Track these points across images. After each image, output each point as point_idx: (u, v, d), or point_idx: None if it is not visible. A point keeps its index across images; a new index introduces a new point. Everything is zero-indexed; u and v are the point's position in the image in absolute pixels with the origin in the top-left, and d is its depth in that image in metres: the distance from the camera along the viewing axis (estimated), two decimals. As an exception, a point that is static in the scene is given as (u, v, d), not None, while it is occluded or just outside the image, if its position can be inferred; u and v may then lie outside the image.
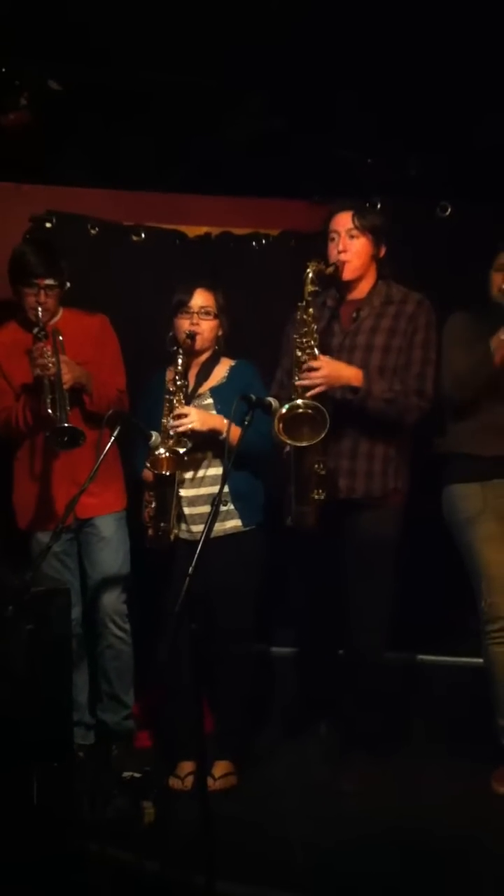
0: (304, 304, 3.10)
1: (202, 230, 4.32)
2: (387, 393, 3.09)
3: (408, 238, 3.94)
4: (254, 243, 4.33)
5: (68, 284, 3.49)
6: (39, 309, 3.33)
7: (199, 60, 3.83)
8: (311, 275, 3.09)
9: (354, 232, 3.16)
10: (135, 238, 4.20)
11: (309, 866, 2.70)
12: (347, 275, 3.17)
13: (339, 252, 3.15)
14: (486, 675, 3.19)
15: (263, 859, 2.77)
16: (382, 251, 3.23)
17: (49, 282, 3.37)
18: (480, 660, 3.23)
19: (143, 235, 4.20)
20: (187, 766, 3.28)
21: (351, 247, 3.16)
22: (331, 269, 3.13)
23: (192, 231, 4.32)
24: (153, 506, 3.24)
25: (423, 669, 3.78)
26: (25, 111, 3.78)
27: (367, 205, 4.54)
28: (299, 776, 3.28)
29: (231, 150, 4.20)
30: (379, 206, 4.54)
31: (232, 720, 3.30)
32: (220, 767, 3.26)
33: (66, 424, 3.17)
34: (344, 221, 3.17)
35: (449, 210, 4.50)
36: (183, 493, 3.28)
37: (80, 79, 3.93)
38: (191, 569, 2.77)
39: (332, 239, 3.19)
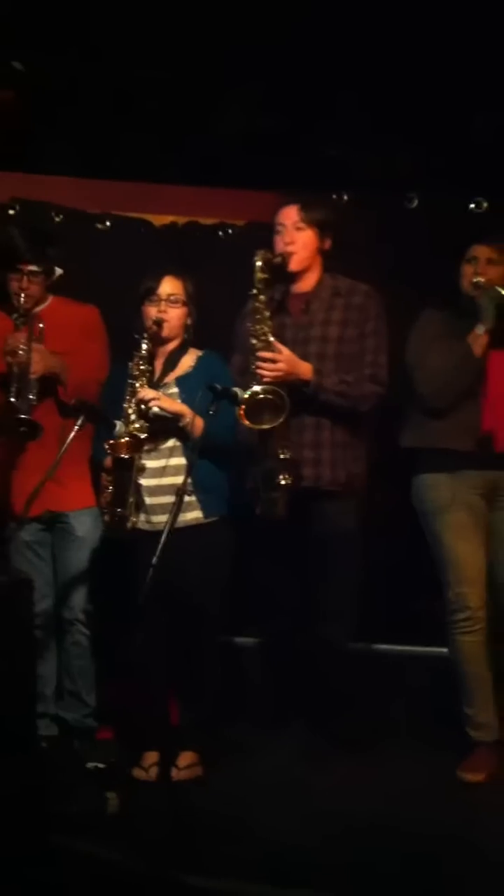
0: (255, 292, 3.14)
1: (168, 219, 4.30)
2: (338, 385, 3.15)
3: (377, 230, 3.96)
4: (220, 233, 4.32)
5: (59, 271, 3.45)
6: (22, 295, 3.30)
7: (170, 52, 3.81)
8: (259, 263, 3.14)
9: (300, 224, 3.22)
10: (100, 226, 4.18)
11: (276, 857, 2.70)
12: (294, 266, 3.22)
13: (286, 244, 3.21)
14: (451, 665, 3.21)
15: (228, 850, 2.75)
16: (328, 244, 3.29)
17: (33, 268, 3.34)
18: (446, 649, 3.25)
19: (108, 224, 4.17)
20: (152, 757, 3.27)
21: (297, 239, 3.22)
22: (278, 259, 3.19)
23: (159, 220, 4.30)
24: (110, 490, 3.21)
25: (390, 659, 3.79)
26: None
27: (334, 196, 4.59)
28: (267, 766, 3.28)
29: (199, 141, 4.19)
30: (346, 198, 4.57)
31: (198, 711, 3.29)
32: (185, 758, 3.25)
33: (22, 416, 3.13)
34: (290, 214, 3.24)
35: (416, 202, 4.51)
36: (144, 482, 3.25)
37: (47, 66, 3.90)
38: (154, 559, 2.78)
39: (279, 231, 3.25)
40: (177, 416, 3.19)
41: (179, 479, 3.02)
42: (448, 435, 3.16)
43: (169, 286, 3.31)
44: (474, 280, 3.16)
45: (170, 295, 3.30)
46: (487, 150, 4.23)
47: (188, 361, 3.36)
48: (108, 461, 3.21)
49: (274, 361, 3.09)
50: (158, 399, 3.18)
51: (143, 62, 3.88)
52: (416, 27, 3.68)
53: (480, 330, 3.12)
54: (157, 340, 3.31)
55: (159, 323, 3.27)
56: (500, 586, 3.14)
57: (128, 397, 3.22)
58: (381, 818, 2.89)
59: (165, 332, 3.30)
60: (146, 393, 3.18)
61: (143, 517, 3.26)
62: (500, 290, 3.10)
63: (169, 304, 3.30)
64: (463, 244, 3.27)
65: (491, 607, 3.17)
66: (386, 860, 2.67)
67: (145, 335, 3.25)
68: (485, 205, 4.52)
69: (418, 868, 2.62)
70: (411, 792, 3.09)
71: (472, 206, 4.55)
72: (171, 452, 3.26)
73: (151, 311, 3.29)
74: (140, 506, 3.25)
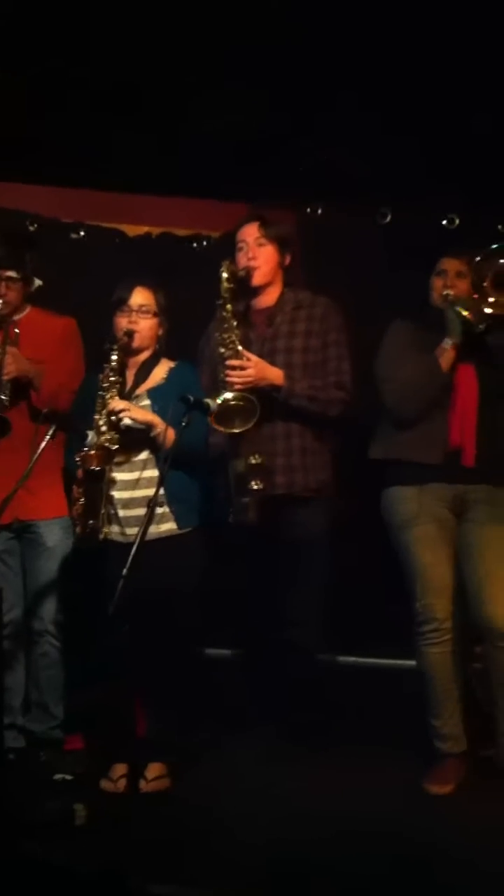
0: (221, 302, 3.22)
1: (143, 229, 4.31)
2: (308, 390, 3.23)
3: (348, 244, 3.98)
4: (195, 244, 4.34)
5: (38, 282, 3.47)
6: (0, 300, 3.30)
7: (145, 61, 3.82)
8: (226, 274, 3.22)
9: (262, 241, 3.31)
10: (74, 235, 4.18)
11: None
12: (257, 280, 3.30)
13: (249, 259, 3.29)
14: (419, 676, 3.23)
15: (198, 861, 2.75)
16: (288, 259, 3.37)
17: (11, 274, 3.35)
18: (414, 661, 3.27)
19: (82, 233, 4.18)
20: (120, 769, 3.26)
21: (260, 254, 3.31)
22: (242, 273, 3.26)
23: (133, 230, 4.30)
24: (81, 502, 3.21)
25: (359, 670, 3.81)
26: None
27: (308, 210, 4.62)
28: (235, 775, 3.28)
29: (175, 151, 4.19)
30: (320, 211, 4.61)
31: (166, 722, 3.28)
32: (154, 770, 3.24)
33: None
34: (251, 231, 3.33)
35: (389, 217, 4.55)
36: (118, 495, 3.25)
37: (21, 73, 3.89)
38: (125, 571, 2.78)
39: (241, 248, 3.34)
40: (148, 427, 3.20)
41: (153, 492, 3.02)
42: (416, 448, 3.18)
43: (140, 297, 3.32)
44: (444, 293, 3.18)
45: (141, 305, 3.31)
46: (460, 165, 4.28)
47: (160, 373, 3.36)
48: (79, 472, 3.21)
49: (243, 368, 3.14)
50: (128, 410, 3.18)
51: (118, 71, 3.89)
52: (390, 42, 3.71)
53: (447, 344, 3.15)
54: (128, 351, 3.31)
55: (130, 334, 3.27)
56: (467, 598, 3.15)
57: (98, 408, 3.22)
58: (349, 825, 2.90)
59: (136, 343, 3.31)
60: (116, 404, 3.18)
61: (117, 529, 3.26)
62: (467, 300, 3.11)
63: (140, 314, 3.31)
64: (435, 259, 3.30)
65: (458, 619, 3.18)
66: (353, 866, 2.68)
67: (115, 346, 3.26)
68: (457, 221, 4.58)
69: (386, 874, 2.63)
70: (379, 801, 3.09)
71: (445, 222, 4.60)
72: (144, 465, 3.26)
73: (122, 322, 3.30)
74: (114, 518, 3.25)
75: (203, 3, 3.51)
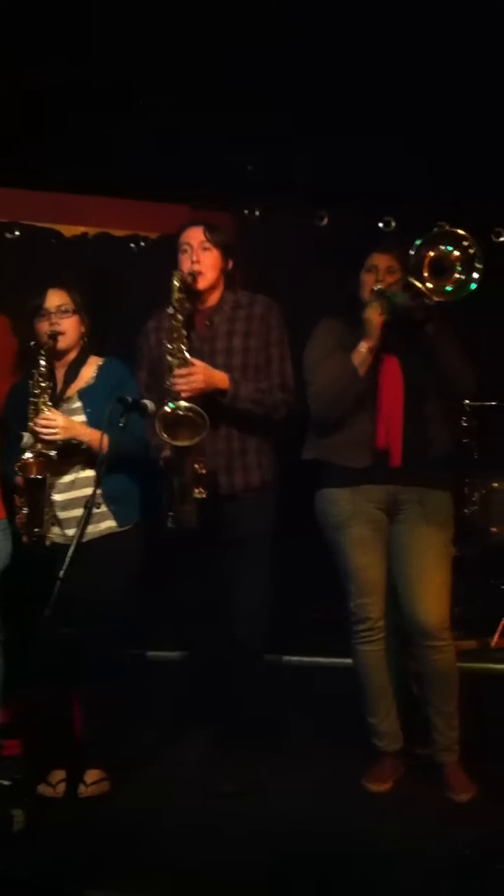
0: (171, 311, 3.16)
1: (79, 230, 4.28)
2: (254, 393, 3.20)
3: (284, 245, 4.00)
4: (132, 245, 4.32)
5: None
6: None
7: (81, 60, 3.79)
8: (177, 283, 3.18)
9: (207, 245, 3.27)
10: (9, 235, 4.13)
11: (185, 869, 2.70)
12: (202, 284, 3.26)
13: (194, 262, 3.25)
14: (354, 675, 3.25)
15: (137, 866, 2.74)
16: (230, 264, 3.35)
17: None
18: (350, 660, 3.29)
19: (17, 233, 4.13)
20: (59, 774, 3.23)
21: (205, 259, 3.27)
22: (190, 279, 3.22)
23: (69, 231, 4.27)
24: (25, 512, 3.18)
25: (296, 669, 3.83)
26: None
27: (246, 212, 4.63)
28: (176, 779, 3.27)
29: (112, 150, 4.17)
30: (258, 213, 4.63)
31: (104, 726, 3.26)
32: (92, 775, 3.22)
33: None
34: (196, 235, 3.28)
35: (326, 220, 4.59)
36: (56, 497, 3.23)
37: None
38: (61, 573, 2.75)
39: (185, 251, 3.29)
40: (77, 441, 3.18)
41: (90, 492, 3.00)
42: (344, 451, 3.20)
43: (56, 298, 3.30)
44: (375, 288, 3.17)
45: (58, 306, 3.29)
46: (397, 169, 4.33)
47: (89, 371, 3.34)
48: (19, 480, 3.17)
49: (190, 375, 3.10)
50: (58, 433, 3.15)
51: (55, 70, 3.85)
52: (330, 43, 3.74)
53: (363, 348, 3.15)
54: (56, 354, 3.29)
55: (54, 336, 3.25)
56: (398, 597, 3.18)
57: (31, 415, 3.19)
58: (291, 829, 2.91)
59: (62, 345, 3.29)
60: (46, 431, 3.14)
61: (58, 531, 3.24)
62: (401, 288, 3.10)
63: (59, 315, 3.29)
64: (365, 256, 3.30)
65: (391, 618, 3.21)
66: (294, 867, 2.69)
67: (42, 351, 3.23)
68: (393, 224, 4.63)
69: (325, 874, 2.65)
70: (318, 799, 3.12)
71: (381, 224, 4.66)
72: (81, 466, 3.25)
73: (44, 326, 3.28)
74: (54, 519, 3.23)
75: (138, 4, 3.51)
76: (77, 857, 2.71)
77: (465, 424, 4.45)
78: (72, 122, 4.05)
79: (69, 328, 3.30)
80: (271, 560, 3.27)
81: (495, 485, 4.42)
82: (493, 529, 4.40)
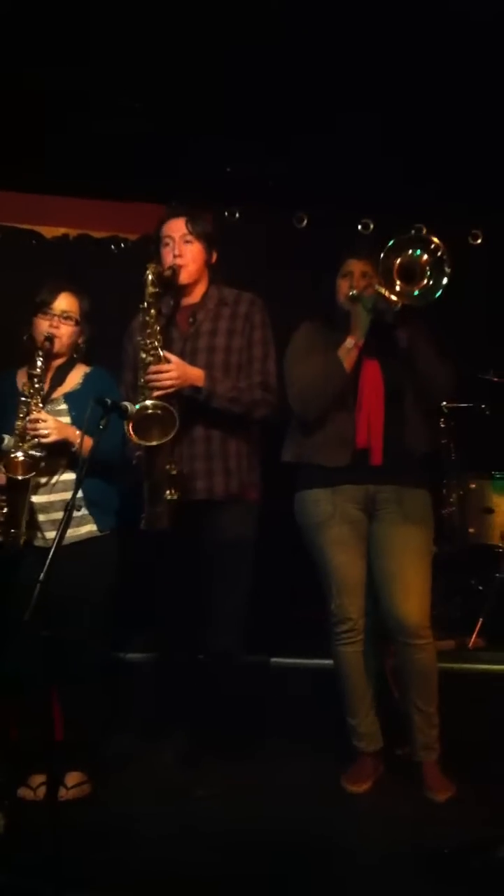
0: (145, 305, 3.10)
1: (60, 231, 4.27)
2: (231, 391, 3.14)
3: (263, 247, 4.00)
4: (112, 246, 4.31)
5: None
6: None
7: (62, 62, 3.79)
8: (151, 277, 3.10)
9: (189, 237, 3.20)
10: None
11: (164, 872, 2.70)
12: (184, 278, 3.20)
13: (175, 256, 3.18)
14: (335, 676, 3.27)
15: (117, 869, 2.74)
16: (214, 257, 3.29)
17: None
18: (330, 661, 3.30)
19: (-2, 234, 4.12)
20: (39, 778, 3.22)
21: (186, 251, 3.20)
22: (168, 272, 3.15)
23: (50, 232, 4.26)
24: (3, 511, 3.17)
25: (276, 671, 3.83)
26: None
27: (226, 213, 4.63)
28: (154, 782, 3.27)
29: (91, 152, 4.17)
30: (238, 214, 4.63)
31: (83, 729, 3.26)
32: (73, 777, 3.21)
33: None
34: (178, 227, 3.21)
35: (305, 221, 4.60)
36: (36, 499, 3.22)
37: None
38: (42, 575, 2.74)
39: (167, 244, 3.22)
40: (69, 443, 3.17)
41: (69, 495, 3.00)
42: (324, 451, 3.21)
43: (65, 303, 3.29)
44: (350, 293, 3.20)
45: (64, 311, 3.29)
46: (375, 171, 4.36)
47: (76, 377, 3.34)
48: (1, 479, 3.16)
49: (164, 371, 3.06)
50: (50, 432, 3.14)
51: (37, 70, 3.85)
52: (308, 43, 3.75)
53: (350, 343, 3.17)
54: (48, 356, 3.27)
55: (51, 339, 3.24)
56: (378, 596, 3.20)
57: (20, 414, 3.18)
58: (270, 831, 2.92)
59: (56, 348, 3.28)
60: (37, 430, 3.13)
61: (38, 535, 3.23)
62: (375, 293, 3.12)
63: (62, 320, 3.28)
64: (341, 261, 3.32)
65: (371, 618, 3.23)
66: (274, 867, 2.70)
67: (40, 352, 3.22)
68: (371, 226, 4.66)
69: (305, 874, 2.66)
70: (297, 800, 3.13)
71: (360, 226, 4.68)
72: (62, 469, 3.24)
73: (43, 325, 3.27)
74: (33, 523, 3.22)
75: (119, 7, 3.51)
76: (57, 860, 2.70)
77: (442, 425, 4.49)
78: (52, 124, 4.05)
79: (66, 335, 3.29)
80: (251, 567, 3.23)
81: (473, 486, 4.44)
82: (471, 530, 4.42)
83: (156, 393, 3.04)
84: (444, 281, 3.01)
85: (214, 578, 3.20)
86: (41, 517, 3.23)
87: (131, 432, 2.98)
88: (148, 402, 3.00)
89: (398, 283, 3.03)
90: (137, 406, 3.00)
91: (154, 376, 3.04)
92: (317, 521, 3.23)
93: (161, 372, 3.05)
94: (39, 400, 3.20)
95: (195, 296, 3.27)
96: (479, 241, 4.89)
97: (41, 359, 3.22)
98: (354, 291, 3.19)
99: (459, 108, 4.06)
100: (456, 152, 4.30)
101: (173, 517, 3.06)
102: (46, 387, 3.28)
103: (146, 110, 4.11)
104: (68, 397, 3.29)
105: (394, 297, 3.03)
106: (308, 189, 4.49)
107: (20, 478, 3.12)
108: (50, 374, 3.32)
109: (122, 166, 4.24)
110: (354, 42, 3.72)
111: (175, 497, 3.05)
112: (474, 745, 3.27)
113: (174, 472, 3.06)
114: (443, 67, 3.84)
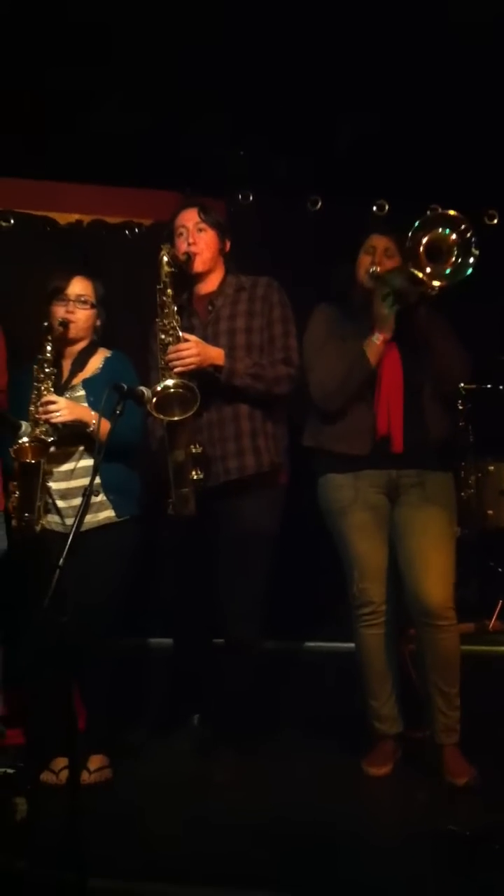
0: (161, 286, 3.14)
1: (73, 217, 4.27)
2: (252, 367, 3.15)
3: (276, 232, 3.98)
4: (126, 232, 4.31)
5: None
6: None
7: (74, 51, 3.78)
8: (165, 258, 3.15)
9: (202, 226, 3.25)
10: (3, 224, 4.12)
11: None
12: (199, 266, 3.24)
13: (190, 244, 3.22)
14: (355, 658, 3.26)
15: (137, 854, 2.75)
16: (228, 245, 3.32)
17: None
18: (350, 644, 3.30)
19: (11, 221, 4.12)
20: (62, 762, 3.23)
21: (200, 239, 3.24)
22: (184, 258, 3.19)
23: (63, 218, 4.26)
24: (17, 496, 3.18)
25: (294, 654, 3.84)
26: None
27: (240, 197, 4.62)
28: (172, 769, 3.28)
29: (105, 139, 4.16)
30: (251, 198, 4.61)
31: (102, 713, 3.27)
32: (95, 761, 3.23)
33: None
34: (191, 216, 3.26)
35: (319, 204, 4.57)
36: (55, 486, 3.23)
37: None
38: (61, 561, 2.75)
39: (181, 234, 3.26)
40: (82, 423, 3.17)
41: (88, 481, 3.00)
42: (344, 439, 3.19)
43: (79, 287, 3.29)
44: (371, 270, 3.16)
45: (79, 296, 3.29)
46: (389, 153, 4.33)
47: (96, 363, 3.34)
48: (15, 465, 3.17)
49: (185, 350, 3.07)
50: (61, 412, 3.14)
51: (47, 59, 3.84)
52: (314, 29, 3.73)
53: (377, 338, 3.14)
54: (63, 342, 3.28)
55: (65, 324, 3.24)
56: (401, 579, 3.19)
57: (34, 400, 3.19)
58: (288, 817, 2.91)
59: (71, 334, 3.28)
60: (48, 412, 3.13)
61: (57, 519, 3.24)
62: (400, 271, 3.08)
63: (77, 304, 3.28)
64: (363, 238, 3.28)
65: (393, 602, 3.22)
66: (295, 851, 2.70)
67: (49, 337, 3.22)
68: (387, 207, 4.63)
69: (321, 861, 2.65)
70: (317, 787, 3.13)
71: (375, 208, 4.65)
72: (80, 455, 3.25)
73: (59, 311, 3.27)
74: (53, 508, 3.23)
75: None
76: (79, 845, 2.72)
77: (460, 408, 4.46)
78: (66, 111, 4.04)
79: (82, 319, 3.29)
80: (275, 554, 3.23)
81: (491, 468, 4.42)
82: (490, 512, 4.41)
83: (177, 370, 3.05)
84: (472, 261, 2.96)
85: (235, 563, 3.20)
86: (61, 503, 3.24)
87: (154, 409, 2.99)
88: (169, 382, 3.03)
89: (426, 262, 2.97)
90: (160, 387, 3.01)
91: (174, 355, 3.06)
92: (339, 507, 3.21)
93: (180, 350, 3.06)
94: (50, 385, 3.20)
95: (211, 284, 3.29)
96: (496, 220, 4.84)
97: (50, 343, 3.21)
98: (377, 269, 3.15)
99: (473, 85, 4.03)
100: (470, 130, 4.26)
101: (198, 502, 3.06)
102: (66, 373, 3.29)
103: (160, 96, 4.10)
104: (86, 383, 3.29)
105: (425, 278, 2.98)
106: (322, 171, 4.46)
107: (29, 462, 3.12)
108: (69, 361, 3.32)
109: (136, 153, 4.23)
110: (366, 22, 3.70)
111: (200, 477, 3.06)
112: (494, 729, 3.26)
113: (198, 452, 3.07)
114: (457, 45, 3.81)
